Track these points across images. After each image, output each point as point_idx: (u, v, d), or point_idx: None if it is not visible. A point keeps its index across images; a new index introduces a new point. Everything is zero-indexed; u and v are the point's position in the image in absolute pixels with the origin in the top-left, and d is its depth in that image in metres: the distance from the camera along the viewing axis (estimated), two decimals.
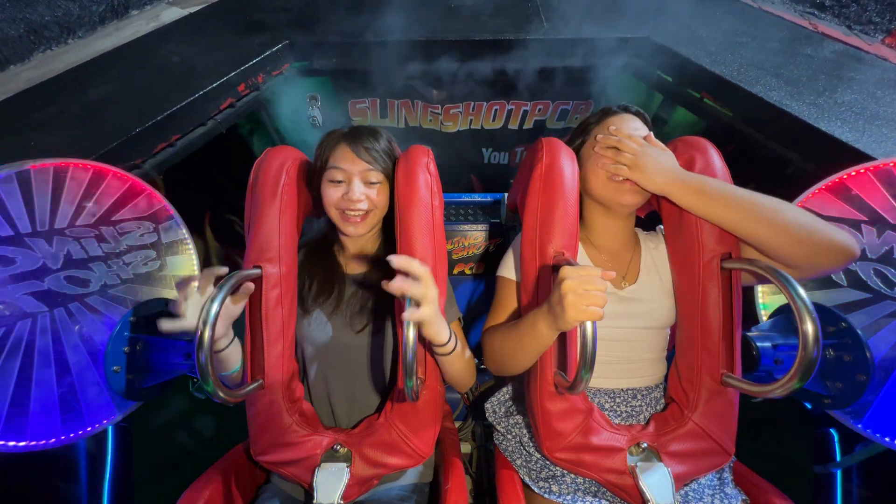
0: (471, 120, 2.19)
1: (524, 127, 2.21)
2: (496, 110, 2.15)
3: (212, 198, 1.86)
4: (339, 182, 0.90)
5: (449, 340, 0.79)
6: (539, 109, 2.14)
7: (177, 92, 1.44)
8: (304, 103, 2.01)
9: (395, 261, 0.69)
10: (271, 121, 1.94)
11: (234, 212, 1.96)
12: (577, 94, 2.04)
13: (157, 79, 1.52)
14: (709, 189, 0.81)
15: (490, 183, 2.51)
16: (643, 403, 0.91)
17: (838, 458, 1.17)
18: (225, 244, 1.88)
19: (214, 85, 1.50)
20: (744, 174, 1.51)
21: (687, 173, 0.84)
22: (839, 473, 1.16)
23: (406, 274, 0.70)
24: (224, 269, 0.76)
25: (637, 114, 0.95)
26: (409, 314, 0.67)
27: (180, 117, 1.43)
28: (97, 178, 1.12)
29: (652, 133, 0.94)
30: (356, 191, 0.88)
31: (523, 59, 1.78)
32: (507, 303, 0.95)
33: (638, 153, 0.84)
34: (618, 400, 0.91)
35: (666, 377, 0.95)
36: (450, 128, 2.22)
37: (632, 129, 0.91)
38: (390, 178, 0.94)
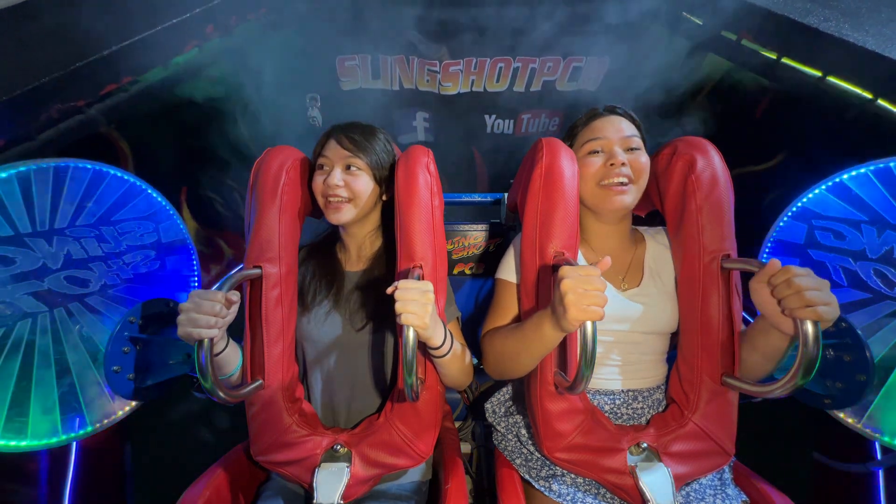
0: (472, 80, 1.95)
1: (531, 89, 1.96)
2: (501, 68, 1.90)
3: (189, 172, 1.68)
4: (323, 169, 0.94)
5: (443, 343, 0.79)
6: (548, 67, 1.90)
7: (129, 28, 1.24)
8: (288, 58, 1.77)
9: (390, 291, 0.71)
10: (250, 80, 1.68)
11: (215, 188, 1.80)
12: (591, 49, 1.79)
13: (108, 14, 1.28)
14: None
15: (493, 155, 2.25)
16: (644, 406, 0.91)
17: (879, 457, 1.14)
18: (205, 224, 1.73)
19: (174, 21, 1.27)
20: (788, 129, 1.37)
21: None
22: (881, 472, 1.14)
23: (406, 273, 0.70)
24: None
25: (625, 115, 0.95)
26: (401, 319, 0.68)
27: (130, 55, 1.22)
28: (97, 177, 1.12)
29: (641, 131, 0.94)
30: (335, 176, 0.91)
31: (531, 2, 1.57)
32: (507, 305, 0.94)
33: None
34: (618, 402, 0.91)
35: (667, 378, 0.95)
36: (449, 89, 1.98)
37: (618, 130, 0.91)
38: (380, 172, 0.95)
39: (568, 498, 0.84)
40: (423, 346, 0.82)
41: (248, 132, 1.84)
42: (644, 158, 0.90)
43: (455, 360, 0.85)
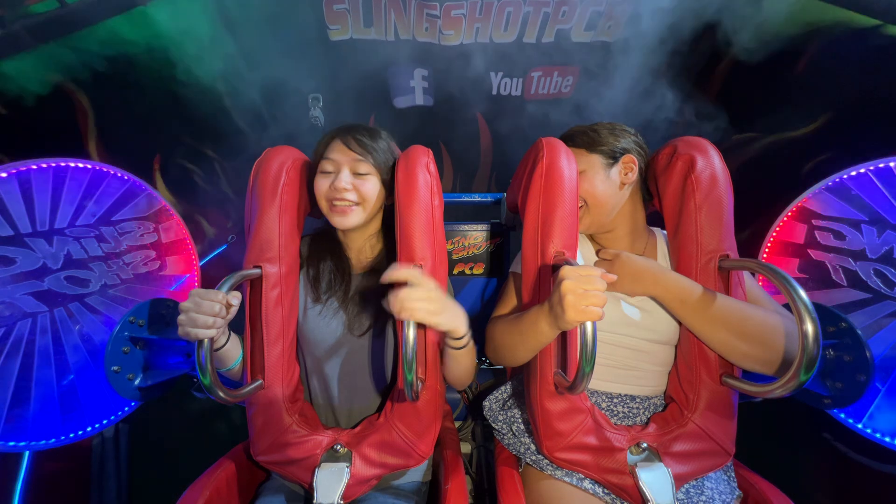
0: (477, 29, 1.71)
1: (543, 40, 1.73)
2: (509, 13, 1.66)
3: (162, 137, 1.49)
4: (329, 173, 0.91)
5: (465, 334, 0.79)
6: (563, 13, 1.66)
7: None
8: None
9: (386, 277, 0.72)
10: (225, 24, 1.40)
11: (192, 157, 1.64)
12: None
13: None
14: (692, 300, 0.82)
15: (499, 122, 1.99)
16: (641, 407, 0.91)
17: None
18: (182, 199, 1.59)
19: None
20: (833, 86, 1.15)
21: (671, 279, 0.84)
22: None
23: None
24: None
25: (573, 144, 0.96)
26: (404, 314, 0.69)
27: None
28: (97, 178, 1.12)
29: (593, 151, 0.93)
30: (343, 179, 0.88)
31: None
32: (516, 296, 0.97)
33: (611, 271, 0.87)
34: (615, 400, 0.91)
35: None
36: (451, 39, 1.73)
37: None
38: (385, 175, 0.94)
39: (566, 479, 0.85)
40: (442, 338, 0.83)
41: (226, 91, 1.61)
42: (587, 185, 0.91)
43: (467, 355, 0.85)
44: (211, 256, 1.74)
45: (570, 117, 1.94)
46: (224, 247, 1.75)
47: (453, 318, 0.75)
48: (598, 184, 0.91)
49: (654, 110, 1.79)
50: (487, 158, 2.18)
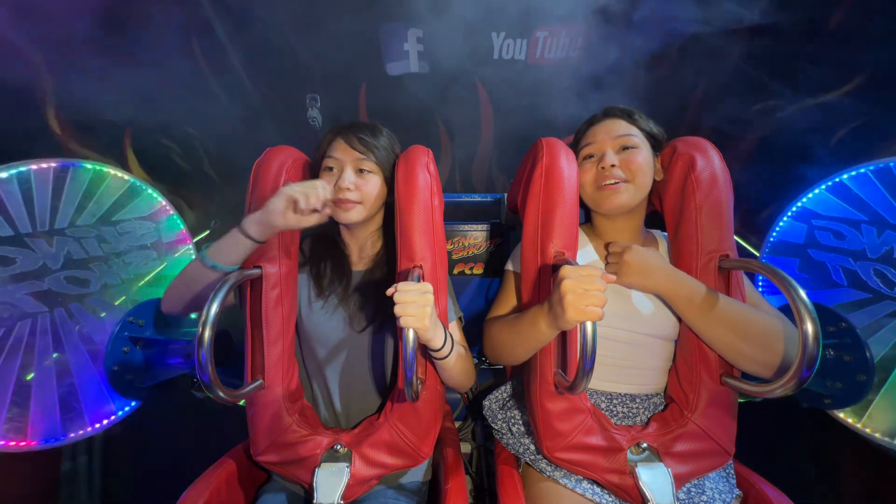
0: None
1: None
2: None
3: (132, 109, 1.34)
4: (332, 171, 0.92)
5: (443, 346, 0.79)
6: None
7: None
8: None
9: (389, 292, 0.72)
10: None
11: (168, 133, 1.48)
12: None
13: None
14: (698, 300, 0.81)
15: (500, 92, 1.83)
16: (641, 407, 0.91)
17: None
18: (157, 178, 1.43)
19: None
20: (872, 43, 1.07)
21: (680, 277, 0.84)
22: None
23: (406, 274, 0.71)
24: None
25: (623, 114, 0.94)
26: (401, 321, 0.69)
27: None
28: (98, 178, 1.12)
29: (643, 127, 0.92)
30: (346, 178, 0.89)
31: None
32: (513, 295, 0.96)
33: (620, 261, 0.87)
34: (615, 401, 0.91)
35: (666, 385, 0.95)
36: None
37: (610, 131, 0.91)
38: (387, 173, 0.94)
39: (566, 482, 0.85)
40: (424, 349, 0.82)
41: (204, 56, 1.44)
42: (641, 157, 0.89)
43: (457, 362, 0.85)
44: (194, 242, 1.65)
45: (578, 85, 1.77)
46: (206, 232, 1.61)
47: (433, 334, 0.76)
48: (647, 162, 0.90)
49: (673, 74, 1.65)
50: (489, 134, 2.00)
